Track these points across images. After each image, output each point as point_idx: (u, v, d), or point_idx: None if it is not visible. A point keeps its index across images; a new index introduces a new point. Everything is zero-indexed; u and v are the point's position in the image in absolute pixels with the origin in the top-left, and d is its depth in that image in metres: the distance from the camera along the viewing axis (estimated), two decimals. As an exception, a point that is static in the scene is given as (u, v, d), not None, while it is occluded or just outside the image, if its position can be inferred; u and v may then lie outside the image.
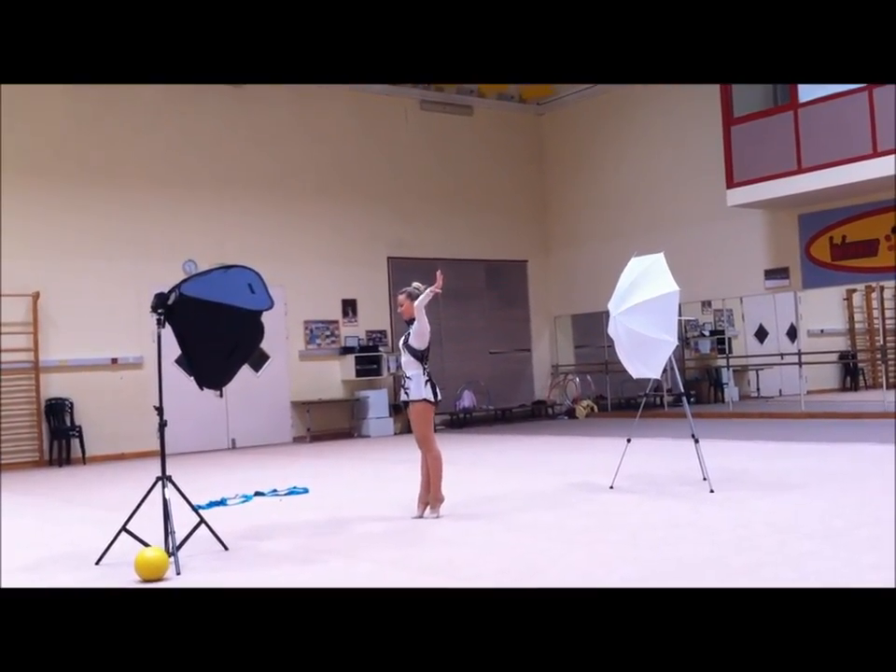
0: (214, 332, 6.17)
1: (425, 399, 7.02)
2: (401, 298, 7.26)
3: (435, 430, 7.29)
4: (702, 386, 18.45)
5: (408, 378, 7.08)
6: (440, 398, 7.15)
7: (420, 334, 7.03)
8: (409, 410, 7.18)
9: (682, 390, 8.78)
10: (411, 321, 7.11)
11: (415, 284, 7.22)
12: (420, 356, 7.06)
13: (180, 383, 10.30)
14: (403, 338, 7.20)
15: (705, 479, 7.68)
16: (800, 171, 13.90)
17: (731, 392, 17.51)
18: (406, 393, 7.10)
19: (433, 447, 7.10)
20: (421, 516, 7.05)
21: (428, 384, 7.03)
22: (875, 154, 12.97)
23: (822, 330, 17.51)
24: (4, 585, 5.31)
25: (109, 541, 5.87)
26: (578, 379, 18.59)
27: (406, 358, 7.12)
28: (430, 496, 7.08)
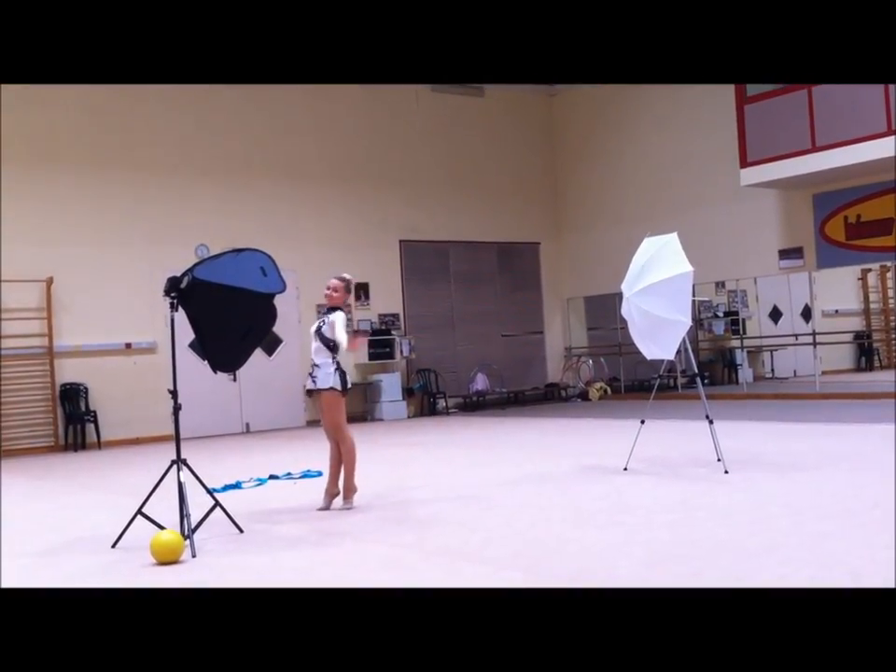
0: (227, 316, 6.18)
1: (332, 388, 6.84)
2: (335, 283, 6.99)
3: (349, 420, 7.06)
4: (716, 368, 18.40)
5: (316, 366, 6.90)
6: (349, 387, 6.95)
7: (334, 329, 6.77)
8: (317, 398, 6.98)
9: (696, 371, 8.72)
10: (331, 309, 6.90)
11: (345, 274, 7.07)
12: (332, 346, 6.84)
13: (194, 367, 10.34)
14: (317, 324, 6.96)
15: (719, 460, 7.65)
16: (814, 150, 13.80)
17: (745, 373, 17.44)
18: (314, 381, 6.90)
19: (347, 436, 6.95)
20: (327, 508, 6.91)
21: (337, 372, 6.83)
22: (890, 132, 12.86)
23: (837, 311, 17.41)
24: (20, 570, 5.35)
25: (125, 525, 5.90)
26: (591, 361, 18.56)
27: (316, 345, 6.91)
28: (343, 486, 6.97)
